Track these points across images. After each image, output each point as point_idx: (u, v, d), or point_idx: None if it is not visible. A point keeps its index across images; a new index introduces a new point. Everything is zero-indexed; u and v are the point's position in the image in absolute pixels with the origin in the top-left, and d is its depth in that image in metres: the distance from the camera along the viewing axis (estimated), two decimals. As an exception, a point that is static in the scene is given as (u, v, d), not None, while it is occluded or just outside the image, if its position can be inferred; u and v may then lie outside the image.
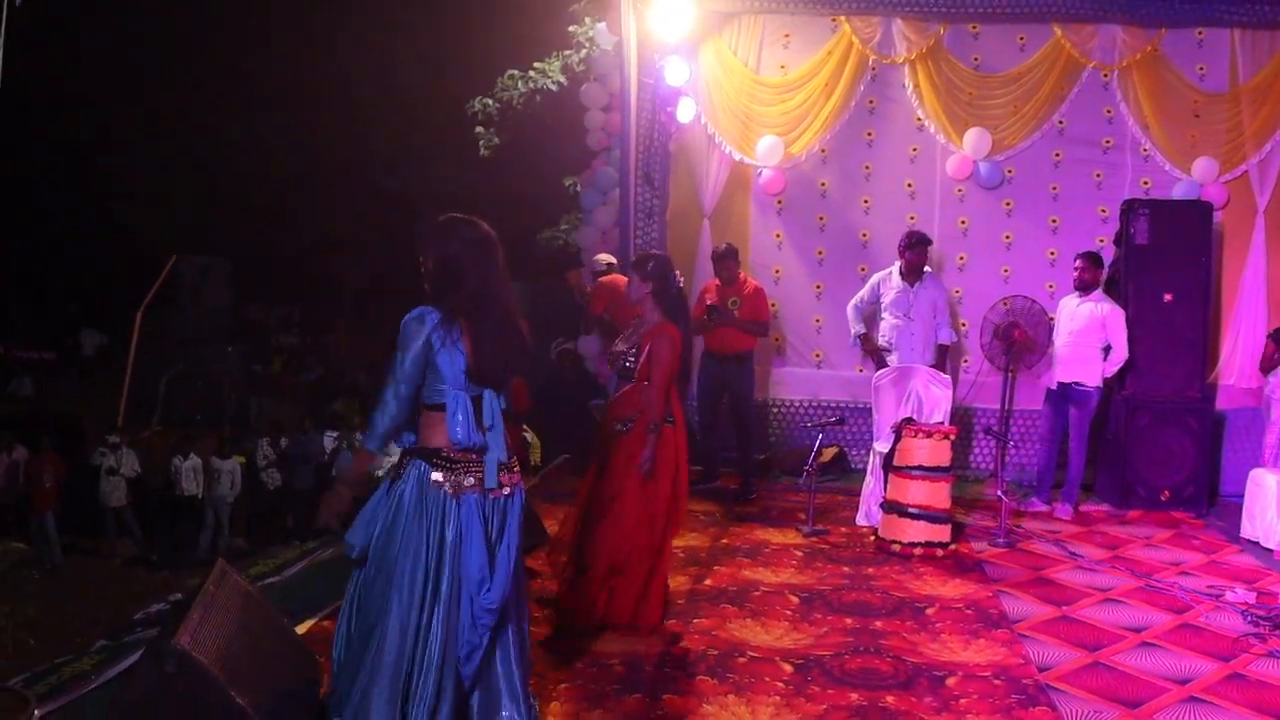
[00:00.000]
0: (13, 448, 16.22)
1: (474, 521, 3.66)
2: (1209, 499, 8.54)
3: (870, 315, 8.78)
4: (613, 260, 9.09)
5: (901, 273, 8.49)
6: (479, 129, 13.42)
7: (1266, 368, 8.26)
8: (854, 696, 4.53)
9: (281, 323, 29.55)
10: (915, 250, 8.40)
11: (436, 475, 3.63)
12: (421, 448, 3.67)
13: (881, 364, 8.52)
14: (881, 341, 8.66)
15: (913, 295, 8.44)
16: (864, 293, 8.74)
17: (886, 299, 8.58)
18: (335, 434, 15.57)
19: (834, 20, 9.42)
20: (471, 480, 3.67)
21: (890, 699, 4.52)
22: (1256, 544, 7.43)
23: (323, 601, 5.69)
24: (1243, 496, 7.86)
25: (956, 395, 8.06)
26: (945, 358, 8.64)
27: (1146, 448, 8.36)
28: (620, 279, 8.43)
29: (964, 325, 9.38)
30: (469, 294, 3.65)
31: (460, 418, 3.61)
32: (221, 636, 3.69)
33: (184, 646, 3.40)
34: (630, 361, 5.40)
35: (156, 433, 17.38)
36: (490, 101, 13.10)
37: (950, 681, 4.75)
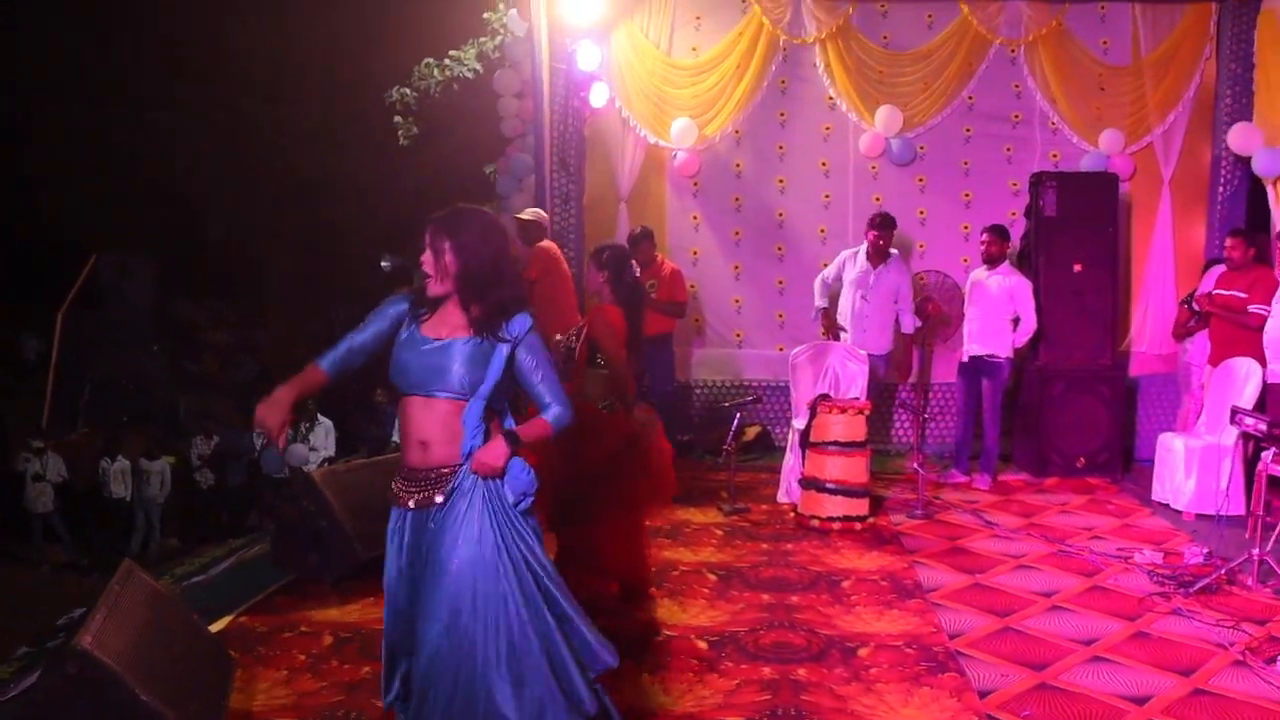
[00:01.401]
0: (-71, 454, 15.90)
1: None
2: (1123, 465, 8.72)
3: (836, 293, 8.65)
4: (541, 214, 8.65)
5: (868, 253, 8.37)
6: (397, 118, 13.31)
7: (1180, 334, 8.45)
8: (766, 670, 4.58)
9: (212, 319, 29.14)
10: (878, 230, 8.26)
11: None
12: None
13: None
14: (839, 320, 8.57)
15: (874, 277, 8.33)
16: (830, 269, 8.61)
17: (848, 277, 8.47)
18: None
19: (744, 1, 9.44)
20: None
21: (802, 671, 4.57)
22: (1167, 506, 7.60)
23: (244, 598, 5.66)
24: (1152, 462, 8.03)
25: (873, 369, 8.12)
26: (909, 345, 8.54)
27: (1061, 416, 8.51)
28: (554, 247, 8.34)
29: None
30: (516, 298, 3.39)
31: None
32: (127, 636, 3.66)
33: (85, 647, 3.36)
34: (573, 344, 5.47)
35: (83, 435, 17.10)
36: (408, 90, 13.00)
37: (862, 652, 4.82)
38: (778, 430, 9.63)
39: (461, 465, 3.31)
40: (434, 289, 3.34)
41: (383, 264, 26.34)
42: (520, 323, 3.33)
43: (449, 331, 3.33)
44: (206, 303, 27.62)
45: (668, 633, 5.06)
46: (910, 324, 8.44)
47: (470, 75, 12.13)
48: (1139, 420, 9.28)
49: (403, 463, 3.39)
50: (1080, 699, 4.36)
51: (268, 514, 14.92)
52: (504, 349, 3.31)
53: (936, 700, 4.31)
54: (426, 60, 12.84)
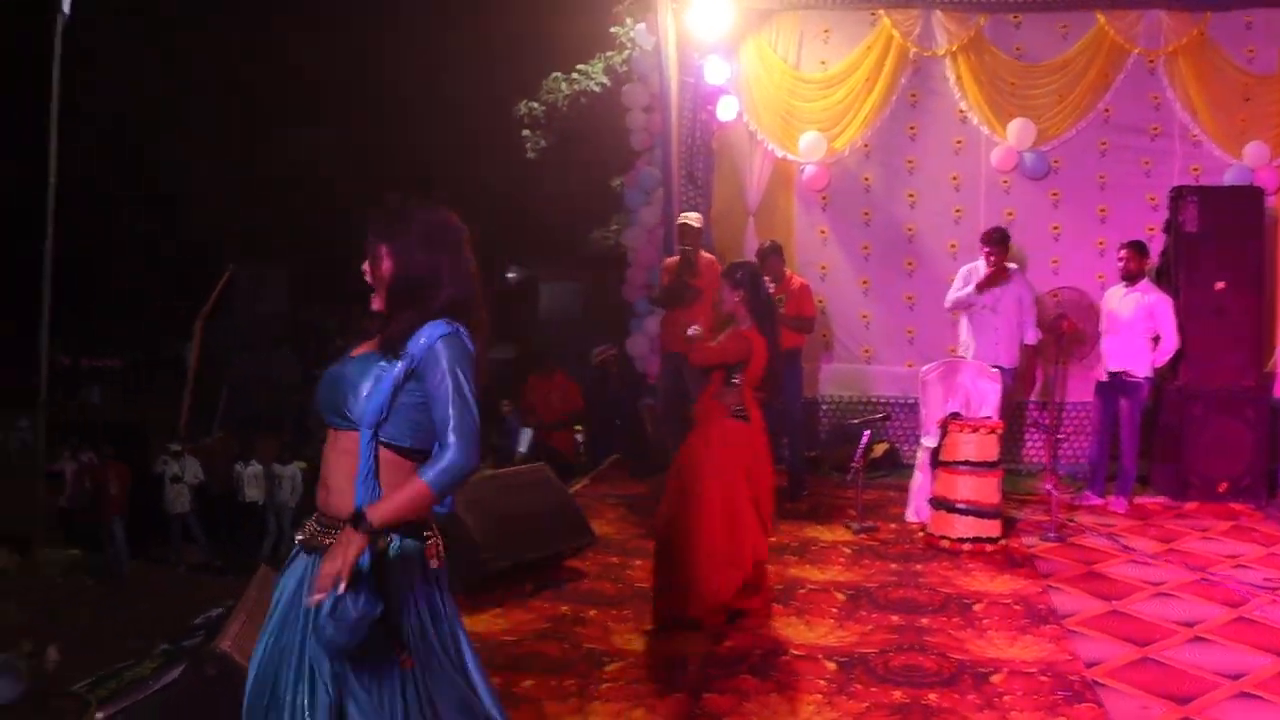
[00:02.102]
0: (80, 453, 16.60)
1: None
2: (1269, 490, 8.39)
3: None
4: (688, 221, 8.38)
5: (987, 269, 8.19)
6: (525, 131, 13.56)
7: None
8: (896, 694, 4.52)
9: (341, 325, 29.94)
10: (994, 247, 8.13)
11: (435, 547, 2.80)
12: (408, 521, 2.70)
13: None
14: (962, 335, 8.45)
15: (1000, 290, 8.21)
16: (959, 284, 8.38)
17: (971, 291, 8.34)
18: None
19: (873, 14, 9.38)
20: None
21: (933, 696, 4.50)
22: (1322, 535, 7.31)
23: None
24: None
25: (1007, 388, 7.96)
26: (1031, 358, 8.44)
27: (1202, 438, 8.24)
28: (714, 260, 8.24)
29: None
30: (462, 303, 2.81)
31: None
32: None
33: (225, 650, 3.48)
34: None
35: (219, 439, 17.68)
36: (536, 104, 13.25)
37: (995, 679, 4.72)
38: (905, 448, 9.50)
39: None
40: (375, 304, 2.86)
41: (508, 275, 26.80)
42: (430, 331, 2.68)
43: (371, 345, 2.83)
44: (335, 309, 28.46)
45: (795, 652, 5.02)
46: (1034, 336, 8.31)
47: (598, 89, 12.35)
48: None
49: None
50: (1226, 735, 4.21)
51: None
52: (397, 368, 2.68)
53: (1074, 731, 4.21)
54: (554, 74, 13.09)
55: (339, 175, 22.65)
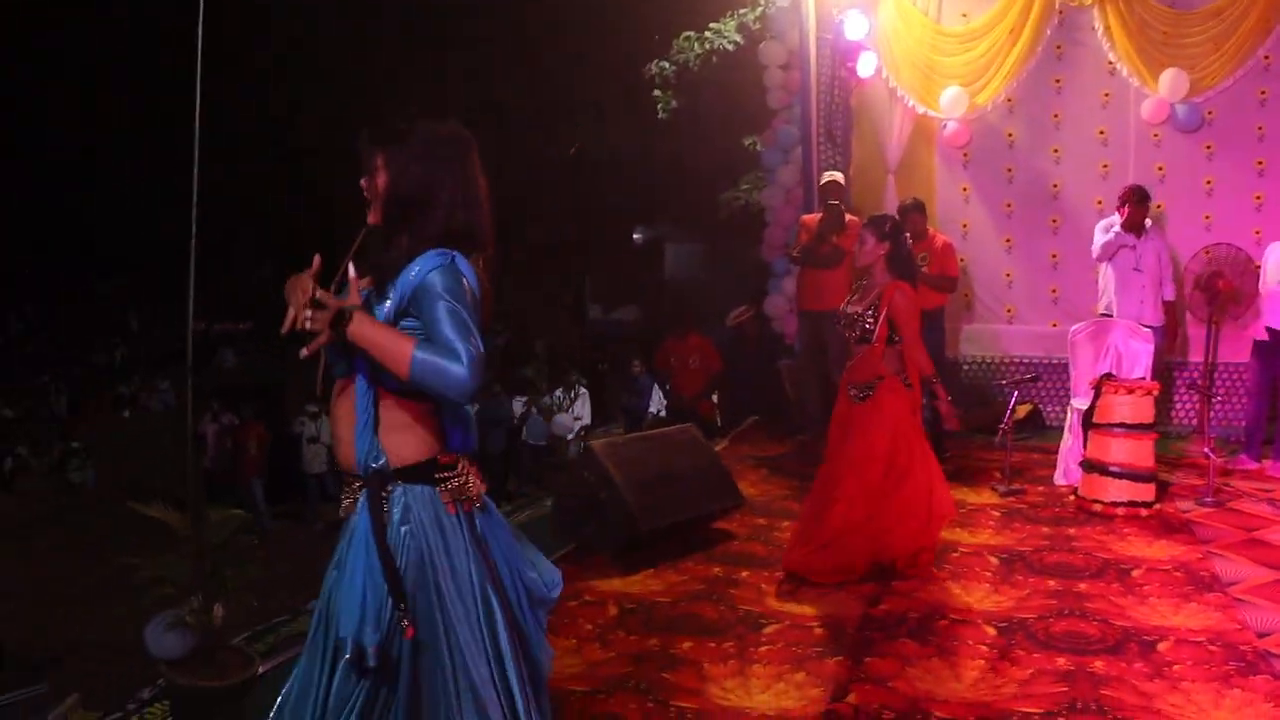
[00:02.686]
0: (220, 415, 17.19)
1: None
2: None
3: None
4: (836, 177, 8.48)
5: (1124, 225, 7.96)
6: (656, 92, 13.47)
7: None
8: (1061, 661, 4.46)
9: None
10: (1138, 205, 7.89)
11: (451, 485, 2.66)
12: (407, 465, 2.61)
13: None
14: (1103, 293, 8.20)
15: (1140, 246, 7.98)
16: (1100, 237, 8.11)
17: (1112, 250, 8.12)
18: (524, 398, 15.97)
19: (1017, -36, 9.12)
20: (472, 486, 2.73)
21: (1099, 664, 4.43)
22: None
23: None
24: None
25: (1158, 348, 7.75)
26: (1173, 315, 8.24)
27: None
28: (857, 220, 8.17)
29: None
30: (462, 227, 2.63)
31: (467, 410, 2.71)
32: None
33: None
34: (870, 323, 5.42)
35: (353, 402, 18.13)
36: (667, 64, 13.14)
37: (1161, 647, 4.62)
38: (1049, 409, 9.33)
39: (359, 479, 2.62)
40: (370, 218, 2.68)
41: (635, 235, 26.85)
42: (422, 264, 2.51)
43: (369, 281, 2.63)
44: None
45: (953, 616, 4.99)
46: (1171, 292, 8.15)
47: (730, 48, 12.18)
48: None
49: None
50: None
51: (526, 480, 15.49)
52: (387, 306, 2.52)
53: (1251, 704, 4.09)
54: (685, 33, 12.96)
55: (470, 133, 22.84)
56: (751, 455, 8.61)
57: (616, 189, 22.42)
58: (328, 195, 26.11)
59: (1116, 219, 8.00)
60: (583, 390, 15.64)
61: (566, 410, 14.45)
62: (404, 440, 2.60)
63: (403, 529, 2.59)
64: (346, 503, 2.67)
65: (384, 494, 2.60)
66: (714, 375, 9.82)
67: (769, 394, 9.63)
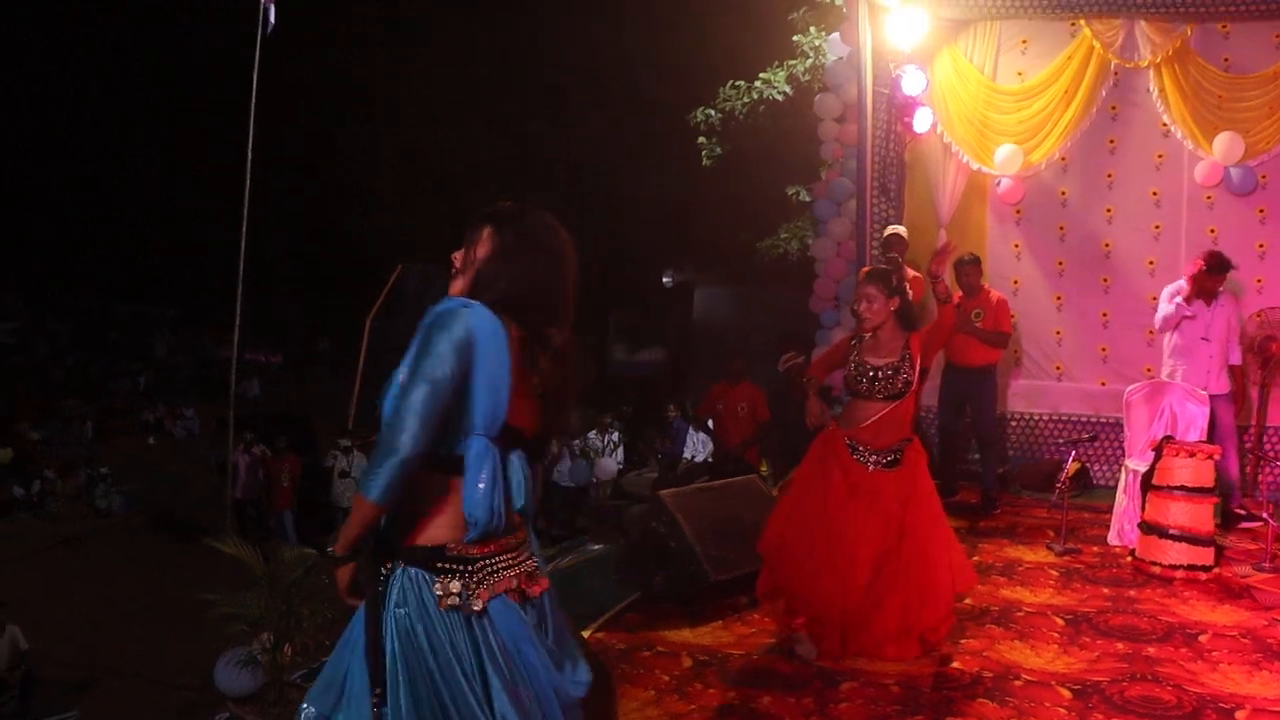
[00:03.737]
0: (254, 445, 17.30)
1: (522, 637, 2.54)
2: None
3: None
4: (900, 231, 8.57)
5: (1191, 294, 7.77)
6: (701, 139, 13.64)
7: None
8: (1140, 726, 4.48)
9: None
10: (1209, 275, 7.69)
11: (453, 585, 2.45)
12: (412, 545, 2.48)
13: None
14: (1167, 360, 8.02)
15: (1211, 314, 7.83)
16: (1165, 309, 7.92)
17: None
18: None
19: (1073, 24, 9.20)
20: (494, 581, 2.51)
21: (1180, 731, 4.44)
22: None
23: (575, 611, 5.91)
24: None
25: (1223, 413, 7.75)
26: (1239, 379, 8.14)
27: None
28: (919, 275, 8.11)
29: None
30: (515, 301, 2.52)
31: (487, 481, 2.44)
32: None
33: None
34: (909, 374, 5.19)
35: (386, 437, 18.15)
36: (713, 112, 13.31)
37: (1240, 715, 4.63)
38: (1096, 468, 9.32)
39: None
40: (452, 289, 2.61)
41: (664, 279, 27.01)
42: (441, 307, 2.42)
43: None
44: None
45: (1026, 677, 4.99)
46: (1238, 357, 8.06)
47: (779, 98, 12.34)
48: None
49: None
50: None
51: (558, 523, 15.51)
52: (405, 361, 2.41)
53: (1338, 775, 4.11)
54: (732, 82, 13.13)
55: (503, 175, 23.05)
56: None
57: (648, 231, 22.56)
58: (359, 232, 26.39)
59: (1183, 284, 7.85)
60: (618, 434, 15.70)
61: (610, 454, 14.47)
62: (413, 514, 2.47)
63: (397, 610, 2.45)
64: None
65: (386, 567, 2.49)
66: (761, 424, 9.84)
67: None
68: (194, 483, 20.75)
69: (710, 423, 10.90)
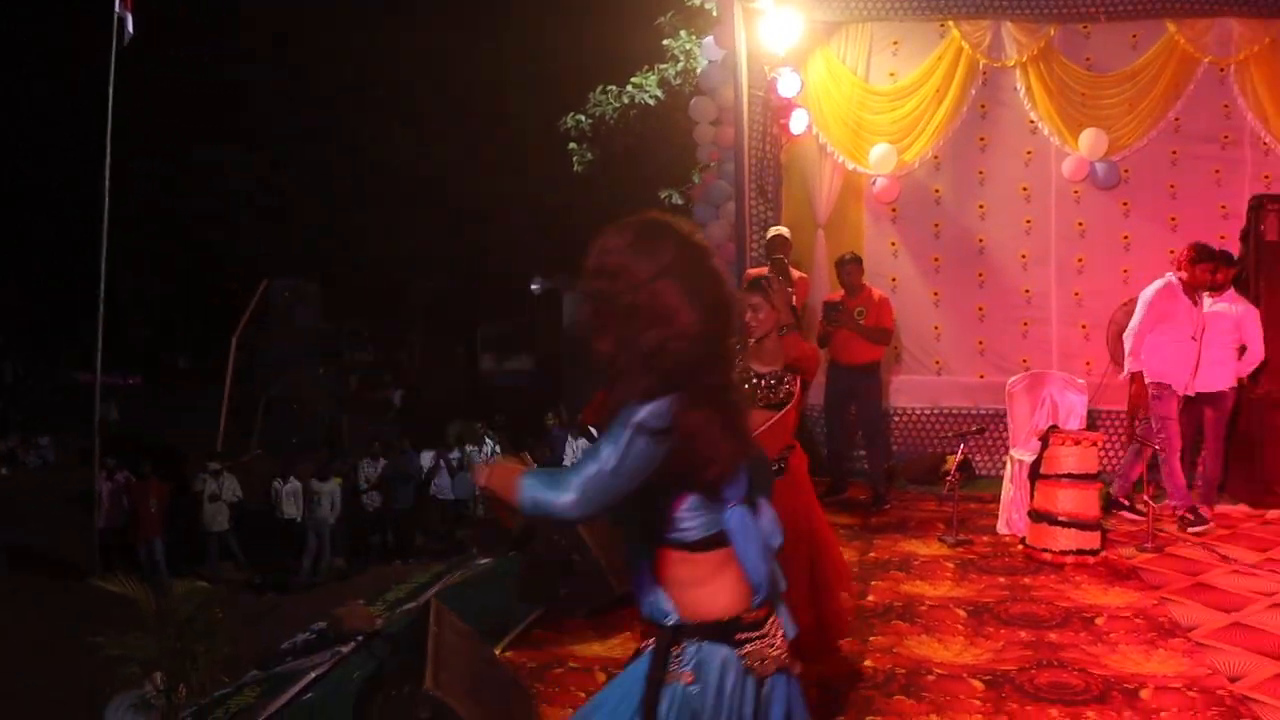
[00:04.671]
0: (116, 472, 16.59)
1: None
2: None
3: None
4: (783, 232, 8.67)
5: (1192, 288, 7.71)
6: (572, 145, 13.52)
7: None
8: (1054, 713, 4.53)
9: (351, 339, 29.97)
10: (1201, 264, 7.63)
11: (747, 651, 2.39)
12: (700, 622, 2.36)
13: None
14: (1137, 360, 7.78)
15: (1200, 312, 7.75)
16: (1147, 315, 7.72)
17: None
18: (432, 452, 15.78)
19: (942, 25, 9.41)
20: (775, 648, 2.45)
21: (1091, 714, 4.51)
22: None
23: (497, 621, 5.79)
24: None
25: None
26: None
27: (1280, 446, 8.26)
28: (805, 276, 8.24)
29: (1084, 327, 9.35)
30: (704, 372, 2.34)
31: (755, 549, 2.42)
32: (461, 678, 3.78)
33: (438, 695, 3.48)
34: (789, 385, 5.26)
35: (256, 457, 17.69)
36: (583, 117, 13.20)
37: (1144, 694, 4.73)
38: (977, 458, 9.51)
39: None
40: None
41: (533, 286, 26.87)
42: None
43: None
44: (346, 323, 28.48)
45: (939, 671, 5.03)
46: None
47: (651, 102, 12.31)
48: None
49: None
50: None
51: (437, 537, 15.30)
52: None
53: (1245, 749, 4.22)
54: (603, 86, 13.04)
55: (363, 188, 22.70)
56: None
57: (517, 240, 22.43)
58: (217, 248, 25.71)
59: (1172, 281, 7.72)
60: (490, 444, 15.52)
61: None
62: (697, 597, 2.37)
63: (688, 688, 2.34)
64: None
65: (675, 650, 2.36)
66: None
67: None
68: (54, 515, 19.89)
69: (595, 430, 10.80)
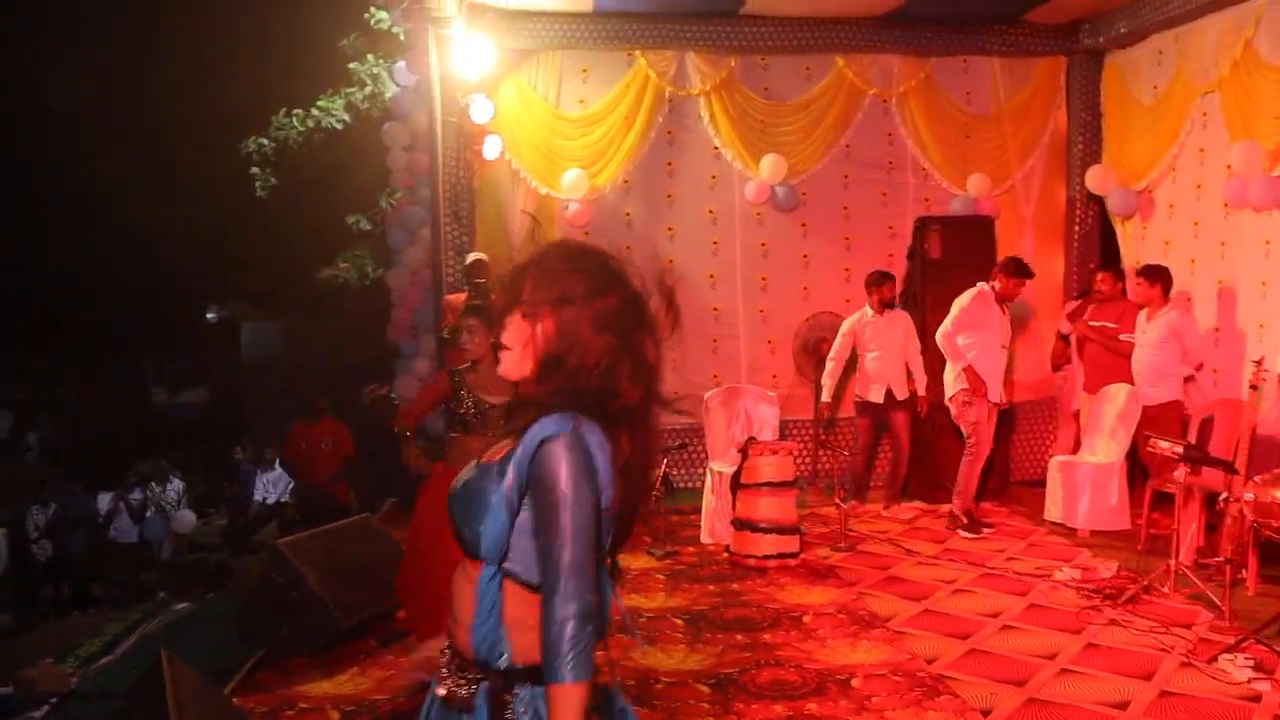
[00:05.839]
0: None
1: None
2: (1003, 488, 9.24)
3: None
4: (483, 257, 8.79)
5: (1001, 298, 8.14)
6: (254, 170, 13.05)
7: (1057, 365, 9.02)
8: (778, 709, 4.77)
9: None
10: (1017, 279, 8.08)
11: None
12: (527, 666, 2.18)
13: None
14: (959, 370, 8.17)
15: (1005, 321, 8.22)
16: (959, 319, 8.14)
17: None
18: (110, 493, 14.80)
19: (629, 54, 9.65)
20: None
21: (812, 706, 4.78)
22: (1060, 525, 8.10)
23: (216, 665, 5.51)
24: (1031, 483, 8.96)
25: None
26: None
27: (953, 445, 8.94)
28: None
29: (770, 343, 9.82)
30: (629, 395, 2.21)
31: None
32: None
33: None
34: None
35: (-98, 507, 16.07)
36: (266, 141, 12.77)
37: (855, 683, 5.05)
38: (674, 471, 9.79)
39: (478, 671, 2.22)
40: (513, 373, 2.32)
41: (208, 315, 25.70)
42: (540, 429, 2.12)
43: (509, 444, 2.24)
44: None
45: (666, 679, 5.18)
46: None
47: (338, 126, 12.06)
48: (1011, 444, 9.80)
49: None
50: (1071, 710, 4.70)
51: (115, 584, 14.32)
52: (505, 479, 2.16)
53: (948, 722, 4.58)
54: (285, 110, 12.65)
55: (16, 215, 21.05)
56: (402, 538, 8.48)
57: (189, 268, 21.35)
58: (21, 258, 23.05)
59: (985, 289, 8.13)
60: (174, 481, 14.71)
61: (182, 505, 13.52)
62: (532, 641, 2.15)
63: None
64: (455, 690, 2.25)
65: (508, 696, 2.21)
66: (346, 459, 9.58)
67: (404, 475, 9.49)
68: None
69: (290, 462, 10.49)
